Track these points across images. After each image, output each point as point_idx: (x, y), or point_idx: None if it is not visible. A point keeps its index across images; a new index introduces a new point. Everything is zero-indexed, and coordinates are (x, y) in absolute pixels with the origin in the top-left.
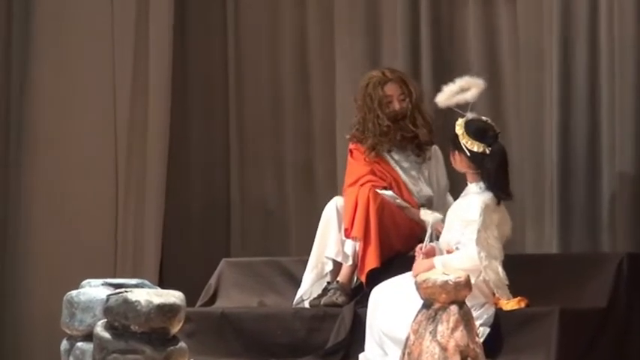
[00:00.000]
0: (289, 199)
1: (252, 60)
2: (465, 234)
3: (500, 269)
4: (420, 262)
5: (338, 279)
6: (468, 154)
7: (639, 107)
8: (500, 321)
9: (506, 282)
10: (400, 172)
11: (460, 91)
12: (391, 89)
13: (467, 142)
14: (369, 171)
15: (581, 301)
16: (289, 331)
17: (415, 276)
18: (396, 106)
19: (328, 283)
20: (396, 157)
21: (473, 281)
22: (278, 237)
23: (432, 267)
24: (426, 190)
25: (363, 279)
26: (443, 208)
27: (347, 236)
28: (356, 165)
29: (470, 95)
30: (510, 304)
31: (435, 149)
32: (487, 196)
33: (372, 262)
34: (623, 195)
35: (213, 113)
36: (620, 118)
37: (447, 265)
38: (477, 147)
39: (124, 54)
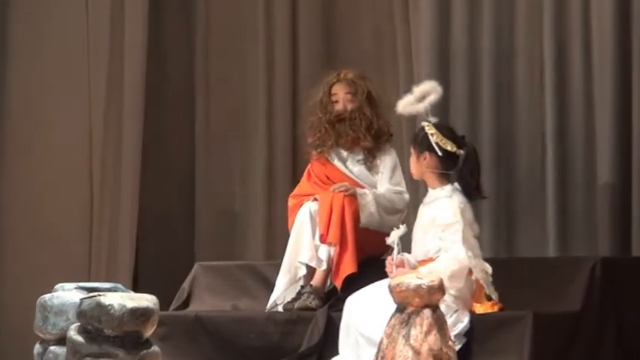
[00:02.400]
0: (255, 202)
1: (219, 63)
2: (444, 238)
3: (487, 266)
4: (402, 273)
5: (312, 283)
6: (440, 153)
7: (616, 112)
8: (473, 325)
9: (491, 279)
10: (348, 173)
11: (420, 97)
12: (338, 89)
13: (440, 141)
14: (307, 192)
15: (554, 305)
16: (263, 334)
17: None
18: (340, 107)
19: (302, 287)
20: (347, 161)
21: (461, 285)
22: (248, 241)
23: None
24: None
25: (338, 284)
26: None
27: (323, 242)
28: (302, 180)
29: (429, 101)
30: (483, 307)
31: (386, 157)
32: (460, 197)
33: (349, 267)
34: (598, 199)
35: (181, 118)
36: (599, 124)
37: (434, 272)
38: (450, 146)
39: (99, 63)
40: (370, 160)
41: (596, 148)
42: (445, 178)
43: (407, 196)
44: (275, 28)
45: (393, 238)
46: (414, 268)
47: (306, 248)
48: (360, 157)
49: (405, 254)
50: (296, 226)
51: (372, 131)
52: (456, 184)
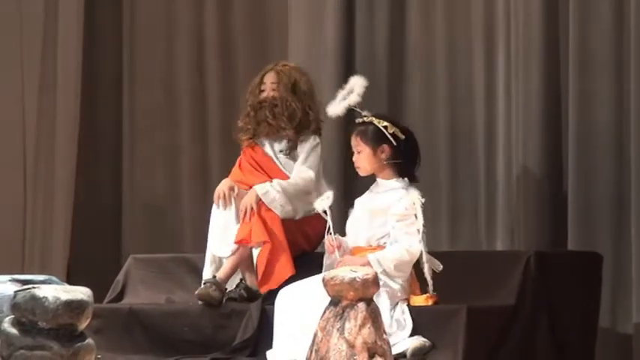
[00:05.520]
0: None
1: (146, 55)
2: (397, 228)
3: (437, 263)
4: (349, 259)
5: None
6: (395, 143)
7: (543, 104)
8: (412, 320)
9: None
10: (277, 162)
11: (347, 94)
12: (267, 79)
13: (395, 132)
14: (238, 179)
15: (489, 299)
16: (196, 327)
17: None
18: (264, 95)
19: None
20: (275, 147)
21: (406, 275)
22: (183, 234)
23: (365, 263)
24: None
25: (274, 287)
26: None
27: (245, 244)
28: (235, 168)
29: (356, 95)
30: (419, 300)
31: (306, 143)
32: (417, 192)
33: (286, 270)
34: (532, 193)
35: (108, 110)
36: (524, 118)
37: (383, 260)
38: (400, 134)
39: (32, 51)
40: (293, 149)
41: (529, 140)
42: (398, 168)
43: (311, 173)
44: (202, 22)
45: (323, 208)
46: (344, 253)
47: (217, 240)
48: (284, 147)
49: (340, 237)
50: (211, 218)
51: (294, 122)
52: (410, 176)
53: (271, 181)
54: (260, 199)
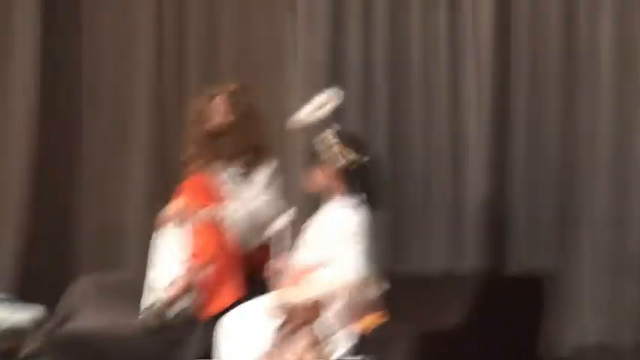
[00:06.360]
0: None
1: (103, 72)
2: (337, 249)
3: (373, 286)
4: (285, 282)
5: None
6: (342, 163)
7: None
8: (359, 341)
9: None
10: (229, 188)
11: (319, 106)
12: (218, 102)
13: (342, 151)
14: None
15: (440, 321)
16: (139, 353)
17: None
18: (218, 120)
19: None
20: (229, 172)
21: (344, 301)
22: (135, 254)
23: (298, 286)
24: None
25: (218, 311)
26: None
27: (196, 264)
28: (184, 196)
29: (328, 109)
30: (367, 321)
31: (264, 168)
32: (364, 213)
33: (230, 295)
34: (476, 211)
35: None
36: (472, 138)
37: (319, 284)
38: (351, 155)
39: None
40: (248, 174)
41: (477, 155)
42: (349, 187)
43: (276, 203)
44: (163, 35)
45: (280, 226)
46: (292, 274)
47: (161, 267)
48: (237, 172)
49: (288, 257)
50: (158, 242)
51: (252, 146)
52: (362, 198)
53: (233, 204)
54: (219, 219)
